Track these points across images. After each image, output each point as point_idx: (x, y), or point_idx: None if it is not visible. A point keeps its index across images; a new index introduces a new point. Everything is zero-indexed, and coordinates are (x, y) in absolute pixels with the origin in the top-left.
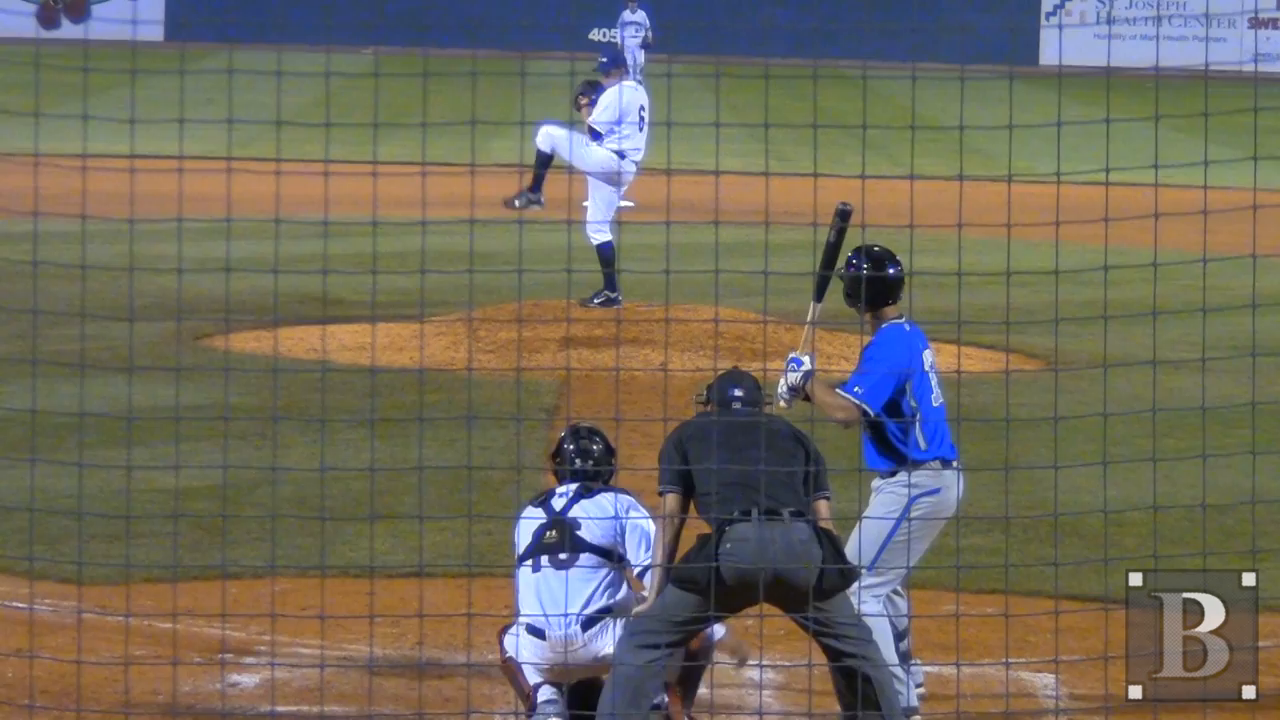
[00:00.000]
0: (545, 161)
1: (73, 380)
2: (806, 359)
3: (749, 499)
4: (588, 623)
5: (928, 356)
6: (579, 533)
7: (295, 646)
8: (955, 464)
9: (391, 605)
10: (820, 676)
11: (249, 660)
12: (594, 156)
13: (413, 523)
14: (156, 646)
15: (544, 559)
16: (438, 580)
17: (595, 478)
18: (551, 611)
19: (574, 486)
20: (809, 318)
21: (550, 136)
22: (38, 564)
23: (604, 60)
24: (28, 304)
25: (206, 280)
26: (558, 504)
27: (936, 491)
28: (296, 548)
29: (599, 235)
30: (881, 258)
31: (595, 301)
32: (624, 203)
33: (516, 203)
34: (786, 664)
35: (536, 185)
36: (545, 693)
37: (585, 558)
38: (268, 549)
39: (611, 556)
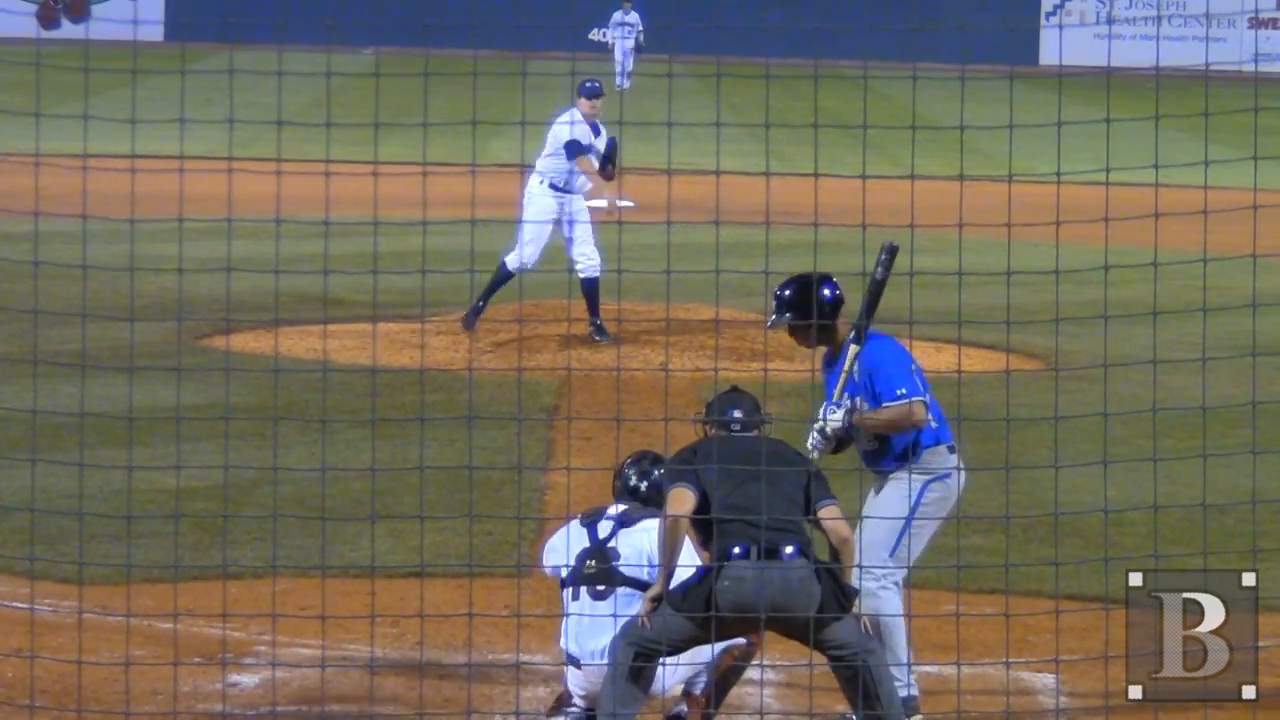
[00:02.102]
0: (594, 290)
1: (73, 380)
2: (842, 405)
3: (748, 534)
4: None
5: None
6: (618, 564)
7: (295, 646)
8: (955, 449)
9: (392, 605)
10: (821, 676)
11: (249, 660)
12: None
13: (413, 523)
14: (157, 646)
15: (583, 589)
16: (438, 580)
17: (648, 503)
18: (586, 642)
19: (620, 509)
20: (846, 365)
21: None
22: (38, 564)
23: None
24: (29, 304)
25: (207, 280)
26: (603, 529)
27: (947, 476)
28: (297, 548)
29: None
30: (821, 280)
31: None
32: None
33: (597, 338)
34: (786, 664)
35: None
36: (575, 712)
37: (622, 590)
38: (268, 549)
39: (647, 588)
